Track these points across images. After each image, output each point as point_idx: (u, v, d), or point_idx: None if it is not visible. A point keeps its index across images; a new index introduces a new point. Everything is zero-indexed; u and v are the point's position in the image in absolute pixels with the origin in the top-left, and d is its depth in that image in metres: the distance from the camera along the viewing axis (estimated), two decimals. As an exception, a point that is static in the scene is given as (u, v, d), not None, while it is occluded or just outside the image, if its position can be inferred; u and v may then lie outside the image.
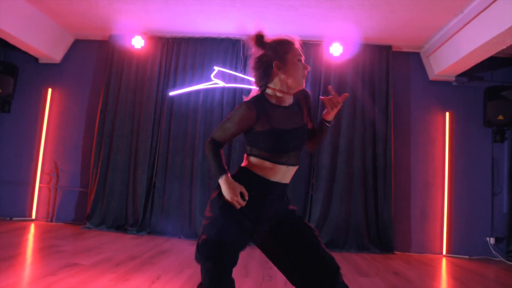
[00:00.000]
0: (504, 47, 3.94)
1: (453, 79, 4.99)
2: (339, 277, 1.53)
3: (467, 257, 4.81)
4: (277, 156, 1.61)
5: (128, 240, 4.45)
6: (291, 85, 1.66)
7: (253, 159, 1.64)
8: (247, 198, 1.56)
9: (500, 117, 4.71)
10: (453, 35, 4.31)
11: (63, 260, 3.31)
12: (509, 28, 3.49)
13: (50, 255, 3.45)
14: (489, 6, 3.64)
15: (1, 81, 5.14)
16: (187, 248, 4.23)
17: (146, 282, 2.86)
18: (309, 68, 1.74)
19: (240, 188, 1.55)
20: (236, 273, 1.56)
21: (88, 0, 4.31)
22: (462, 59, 4.32)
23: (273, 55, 1.64)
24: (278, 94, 1.67)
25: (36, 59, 5.47)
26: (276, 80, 1.66)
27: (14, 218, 5.22)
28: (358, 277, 3.46)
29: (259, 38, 1.64)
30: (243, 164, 1.68)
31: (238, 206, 1.54)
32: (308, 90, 1.85)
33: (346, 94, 1.72)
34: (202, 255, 1.52)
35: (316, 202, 4.82)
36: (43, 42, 5.07)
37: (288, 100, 1.69)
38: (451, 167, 4.97)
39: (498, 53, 4.72)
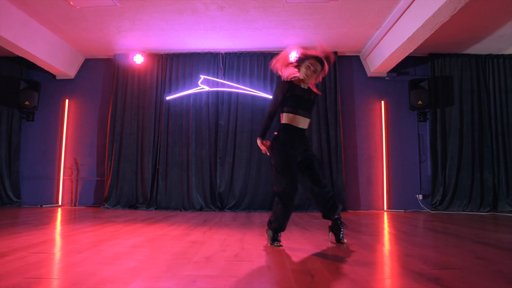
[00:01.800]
0: (411, 50, 5.45)
1: (385, 75, 6.48)
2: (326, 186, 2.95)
3: (402, 210, 6.29)
4: (296, 111, 2.84)
5: (141, 213, 5.74)
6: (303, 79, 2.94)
7: (284, 114, 2.89)
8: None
9: (420, 102, 6.22)
10: (378, 43, 5.80)
11: (102, 220, 4.61)
12: (408, 38, 4.99)
13: (90, 219, 4.74)
14: (396, 21, 5.14)
15: (28, 96, 6.41)
16: (188, 214, 5.57)
17: (165, 226, 4.18)
18: (313, 73, 2.90)
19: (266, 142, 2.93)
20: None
21: (101, 30, 5.64)
22: (386, 60, 5.81)
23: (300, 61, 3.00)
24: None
25: (53, 76, 6.74)
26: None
27: (43, 205, 6.47)
28: (312, 220, 4.85)
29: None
30: (281, 121, 2.97)
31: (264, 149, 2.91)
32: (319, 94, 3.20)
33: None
34: (277, 170, 2.81)
35: (285, 176, 6.22)
36: (60, 62, 6.35)
37: (304, 86, 3.01)
38: (387, 143, 6.45)
39: (418, 53, 6.28)
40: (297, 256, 2.47)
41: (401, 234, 3.60)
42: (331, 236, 3.07)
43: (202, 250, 2.65)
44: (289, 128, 2.87)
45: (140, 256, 2.40)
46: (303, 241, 3.09)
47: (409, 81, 6.40)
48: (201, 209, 6.16)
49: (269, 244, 2.89)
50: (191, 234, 3.45)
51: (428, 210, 6.21)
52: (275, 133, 2.90)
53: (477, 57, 6.48)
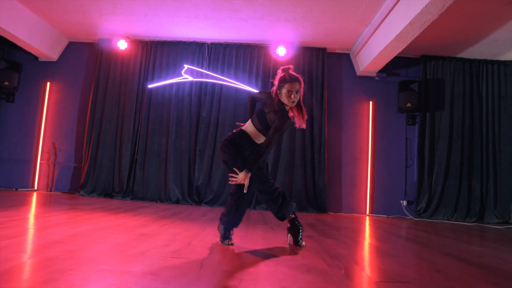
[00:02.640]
0: (400, 50, 5.25)
1: (375, 74, 6.29)
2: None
3: (385, 216, 6.11)
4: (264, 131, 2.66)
5: (115, 202, 5.59)
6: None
7: (252, 125, 2.71)
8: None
9: (409, 105, 6.03)
10: (367, 40, 5.61)
11: (67, 206, 4.46)
12: (396, 36, 4.79)
13: (55, 205, 4.59)
14: (384, 18, 4.94)
15: (8, 76, 6.25)
16: (162, 206, 5.41)
17: (130, 216, 4.03)
18: (294, 99, 2.58)
19: None
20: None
21: (82, 12, 5.46)
22: (375, 59, 5.61)
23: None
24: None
25: (36, 58, 6.58)
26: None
27: (19, 189, 6.33)
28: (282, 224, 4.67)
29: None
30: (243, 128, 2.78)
31: None
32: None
33: None
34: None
35: (266, 172, 6.04)
36: (43, 44, 6.19)
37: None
38: (373, 145, 6.27)
39: (410, 54, 6.08)
40: (241, 257, 2.30)
41: (370, 240, 3.43)
42: (290, 238, 2.89)
43: (144, 243, 2.48)
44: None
45: (72, 245, 2.24)
46: (260, 241, 2.92)
47: (399, 82, 6.20)
48: (177, 202, 6.00)
49: (219, 242, 2.72)
50: (147, 226, 3.29)
51: (412, 217, 6.02)
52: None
53: (471, 61, 6.27)
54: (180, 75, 6.21)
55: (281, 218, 2.82)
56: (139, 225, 3.32)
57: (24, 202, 4.66)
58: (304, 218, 5.22)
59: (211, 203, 5.95)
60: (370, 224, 4.90)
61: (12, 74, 6.29)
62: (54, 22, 5.92)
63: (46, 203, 4.74)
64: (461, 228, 4.99)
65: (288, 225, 2.87)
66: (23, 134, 6.49)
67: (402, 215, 6.10)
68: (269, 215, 5.06)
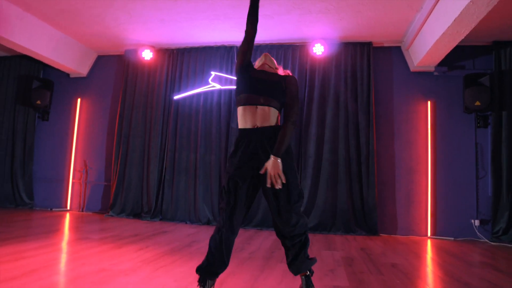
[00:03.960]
0: (462, 37, 4.22)
1: (433, 69, 5.24)
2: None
3: (452, 238, 5.03)
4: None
5: (141, 224, 5.20)
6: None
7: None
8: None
9: (477, 103, 4.91)
10: (420, 28, 4.63)
11: (78, 235, 4.11)
12: (455, 20, 3.80)
13: (72, 231, 4.27)
14: (438, 1, 3.97)
15: (40, 95, 6.17)
16: (187, 230, 4.90)
17: (134, 249, 3.54)
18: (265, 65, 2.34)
19: None
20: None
21: (99, 23, 5.16)
22: (431, 50, 4.61)
23: None
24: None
25: (67, 74, 6.46)
26: None
27: (53, 209, 6.21)
28: (322, 251, 3.90)
29: None
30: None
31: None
32: (291, 75, 2.36)
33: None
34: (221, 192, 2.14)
35: (304, 189, 5.28)
36: (71, 60, 6.03)
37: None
38: (434, 153, 5.22)
39: (478, 41, 4.99)
40: None
41: (438, 279, 2.55)
42: None
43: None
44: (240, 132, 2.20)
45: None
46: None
47: (464, 77, 5.10)
48: (208, 223, 5.46)
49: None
50: (139, 269, 2.74)
51: (487, 240, 4.89)
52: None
53: (560, 44, 4.98)
54: (208, 83, 5.69)
55: (294, 271, 2.12)
56: (129, 269, 2.78)
57: (55, 227, 4.39)
58: (348, 242, 4.40)
59: (244, 224, 5.31)
60: (434, 250, 3.96)
61: (44, 93, 6.21)
62: (77, 36, 5.72)
63: (58, 230, 4.44)
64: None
65: (301, 283, 2.15)
66: (57, 153, 6.39)
67: (474, 238, 4.98)
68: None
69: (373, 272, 3.02)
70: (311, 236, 4.56)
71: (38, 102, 6.18)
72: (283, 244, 2.15)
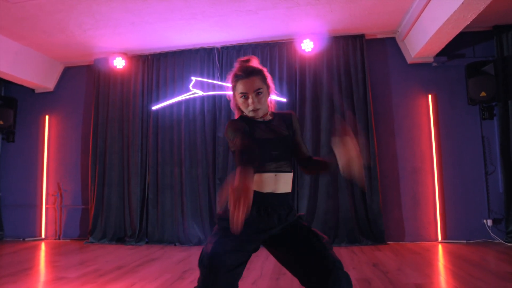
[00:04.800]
0: (467, 22, 3.84)
1: (432, 59, 4.86)
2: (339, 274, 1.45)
3: (464, 241, 4.66)
4: (262, 166, 1.59)
5: (125, 251, 4.66)
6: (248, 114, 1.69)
7: None
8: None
9: (483, 94, 4.55)
10: (418, 16, 4.24)
11: (53, 274, 3.56)
12: (462, 3, 3.41)
13: (45, 270, 3.71)
14: (441, -16, 3.57)
15: (2, 114, 5.55)
16: (177, 255, 4.39)
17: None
18: (252, 104, 1.64)
19: None
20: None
21: (62, 30, 4.59)
22: (432, 39, 4.22)
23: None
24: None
25: (32, 90, 5.85)
26: None
27: (26, 239, 5.61)
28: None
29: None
30: None
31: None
32: (293, 113, 1.80)
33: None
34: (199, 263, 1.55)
35: (303, 199, 4.84)
36: (35, 74, 5.42)
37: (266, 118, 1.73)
38: (439, 150, 4.85)
39: (477, 26, 4.62)
40: None
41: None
42: None
43: None
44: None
45: None
46: None
47: (465, 66, 4.73)
48: (199, 243, 4.95)
49: None
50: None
51: (501, 241, 4.53)
52: None
53: None
54: (189, 90, 5.18)
55: None
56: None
57: (26, 265, 3.81)
58: (357, 256, 3.98)
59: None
60: (449, 258, 3.55)
61: (6, 112, 5.59)
62: (39, 46, 5.12)
63: (35, 266, 3.87)
64: None
65: None
66: (26, 176, 5.78)
67: (488, 239, 4.62)
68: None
69: (398, 275, 2.58)
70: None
71: (1, 122, 5.55)
72: None
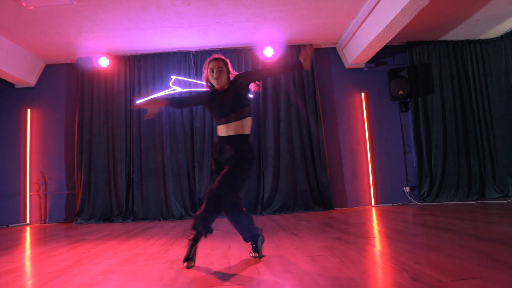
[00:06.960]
0: (389, 39, 5.27)
1: (364, 66, 6.29)
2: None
3: (390, 204, 6.12)
4: (218, 120, 2.63)
5: (117, 226, 5.36)
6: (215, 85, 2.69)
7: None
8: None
9: (401, 92, 6.06)
10: (355, 33, 5.59)
11: (72, 238, 4.21)
12: (387, 26, 4.78)
13: (56, 239, 4.33)
14: (372, 10, 4.93)
15: (-16, 108, 5.88)
16: (167, 224, 5.22)
17: (142, 241, 3.83)
18: (216, 75, 2.57)
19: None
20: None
21: (60, 32, 5.20)
22: (364, 50, 5.60)
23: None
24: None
25: (12, 85, 6.23)
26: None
27: (10, 225, 5.97)
28: (300, 222, 4.60)
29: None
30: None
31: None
32: (238, 74, 2.68)
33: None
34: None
35: (267, 176, 5.95)
36: (18, 69, 5.85)
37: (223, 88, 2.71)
38: (370, 135, 6.27)
39: (395, 41, 6.10)
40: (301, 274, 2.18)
41: (394, 234, 3.37)
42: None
43: (183, 272, 2.33)
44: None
45: (110, 287, 2.07)
46: (294, 251, 2.81)
47: (388, 71, 6.23)
48: (181, 217, 5.81)
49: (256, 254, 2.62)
50: (170, 251, 3.12)
51: (417, 203, 6.06)
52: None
53: (454, 43, 6.37)
54: (168, 87, 6.02)
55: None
56: (162, 251, 3.15)
57: (17, 241, 4.37)
58: (314, 217, 5.15)
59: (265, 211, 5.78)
60: (380, 215, 4.88)
61: (-12, 106, 5.93)
62: (29, 46, 5.62)
63: (44, 238, 4.47)
64: (469, 207, 5.04)
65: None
66: (8, 167, 6.14)
67: (407, 202, 6.13)
68: (282, 219, 4.97)
69: (352, 227, 3.79)
70: (278, 217, 5.25)
71: (-17, 115, 5.88)
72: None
